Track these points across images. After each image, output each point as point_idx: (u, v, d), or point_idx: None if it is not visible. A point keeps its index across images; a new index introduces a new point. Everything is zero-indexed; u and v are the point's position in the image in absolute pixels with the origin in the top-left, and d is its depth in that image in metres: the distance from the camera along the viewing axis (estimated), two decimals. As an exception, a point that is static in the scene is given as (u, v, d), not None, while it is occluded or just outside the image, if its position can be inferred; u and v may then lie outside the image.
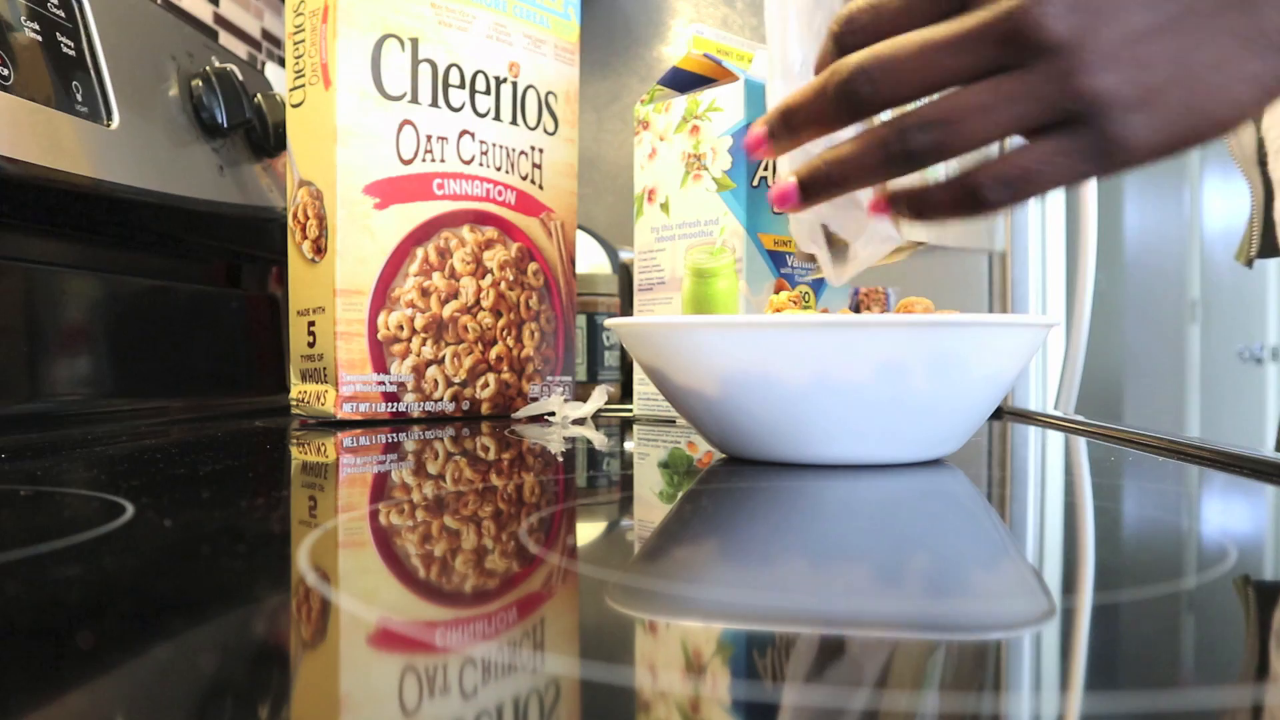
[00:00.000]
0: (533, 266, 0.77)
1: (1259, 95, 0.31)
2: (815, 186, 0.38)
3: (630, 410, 0.80)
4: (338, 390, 0.66)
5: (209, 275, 0.85)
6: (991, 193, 0.34)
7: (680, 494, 0.38)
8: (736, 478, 0.40)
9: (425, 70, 0.69)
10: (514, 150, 0.75)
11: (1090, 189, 0.94)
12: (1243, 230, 0.78)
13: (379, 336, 0.68)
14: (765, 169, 0.66)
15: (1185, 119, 0.31)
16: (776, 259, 0.67)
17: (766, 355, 0.41)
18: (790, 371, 0.41)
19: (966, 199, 0.35)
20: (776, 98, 0.51)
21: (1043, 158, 0.33)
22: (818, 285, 0.69)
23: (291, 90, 0.69)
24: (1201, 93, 0.31)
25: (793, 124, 0.38)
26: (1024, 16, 0.30)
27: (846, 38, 0.36)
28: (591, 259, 1.00)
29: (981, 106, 0.33)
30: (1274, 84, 0.31)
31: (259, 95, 0.82)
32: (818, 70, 0.37)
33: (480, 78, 0.73)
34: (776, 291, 0.65)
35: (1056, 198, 1.16)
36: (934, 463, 0.45)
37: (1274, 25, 0.30)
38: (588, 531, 0.31)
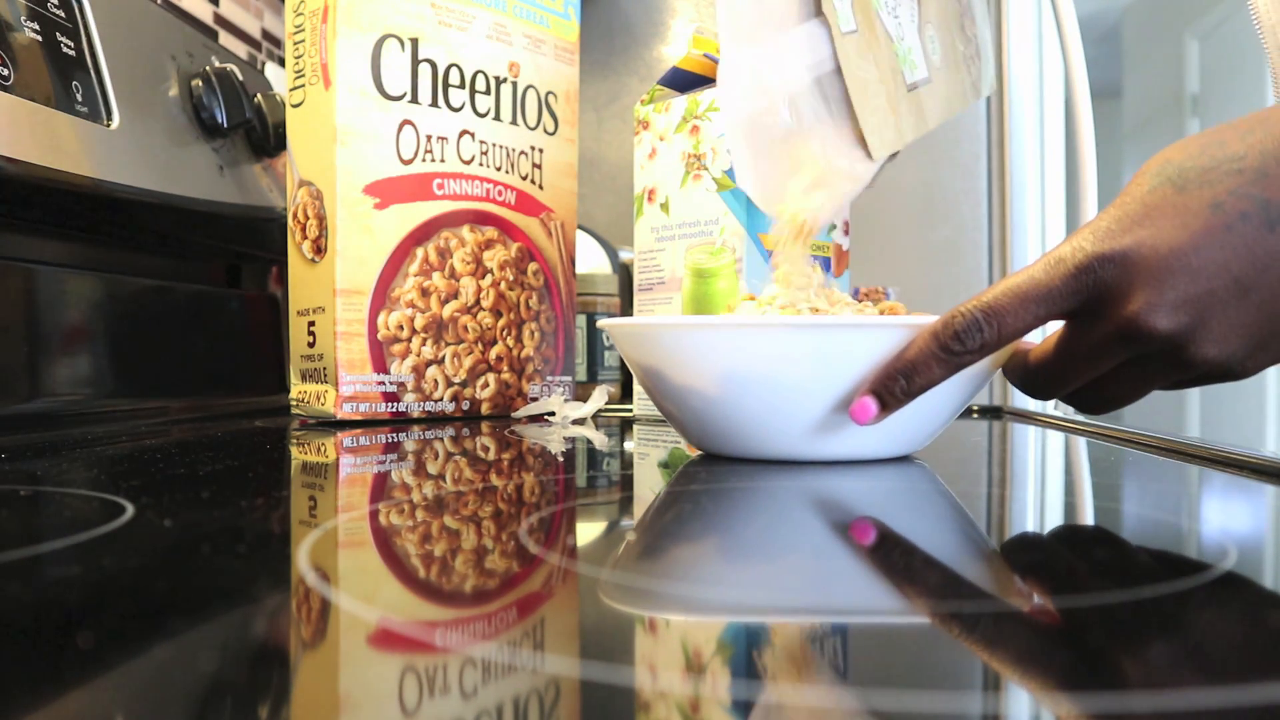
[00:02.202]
0: (533, 266, 0.77)
1: None
2: (891, 398, 0.41)
3: (630, 410, 0.80)
4: (338, 390, 0.66)
5: (209, 275, 0.85)
6: (1096, 409, 0.42)
7: (662, 493, 0.38)
8: (729, 476, 0.40)
9: (425, 70, 0.69)
10: (514, 150, 0.75)
11: (1090, 186, 0.94)
12: None
13: (379, 336, 0.68)
14: (765, 169, 0.66)
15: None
16: (776, 259, 0.67)
17: (747, 355, 0.41)
18: (769, 370, 0.41)
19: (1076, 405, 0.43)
20: (729, 63, 0.50)
21: (1146, 382, 0.40)
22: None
23: (291, 90, 0.69)
24: None
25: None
26: (1140, 321, 0.36)
27: (966, 355, 0.39)
28: (591, 259, 1.00)
29: (1125, 388, 0.41)
30: None
31: (259, 95, 0.82)
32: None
33: (480, 78, 0.73)
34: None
35: (1055, 194, 1.16)
36: (914, 461, 0.45)
37: None
38: (588, 531, 0.31)
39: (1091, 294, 0.37)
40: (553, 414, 0.74)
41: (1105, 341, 0.38)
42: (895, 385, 0.40)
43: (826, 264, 0.70)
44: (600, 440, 0.59)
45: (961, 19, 0.57)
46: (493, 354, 0.74)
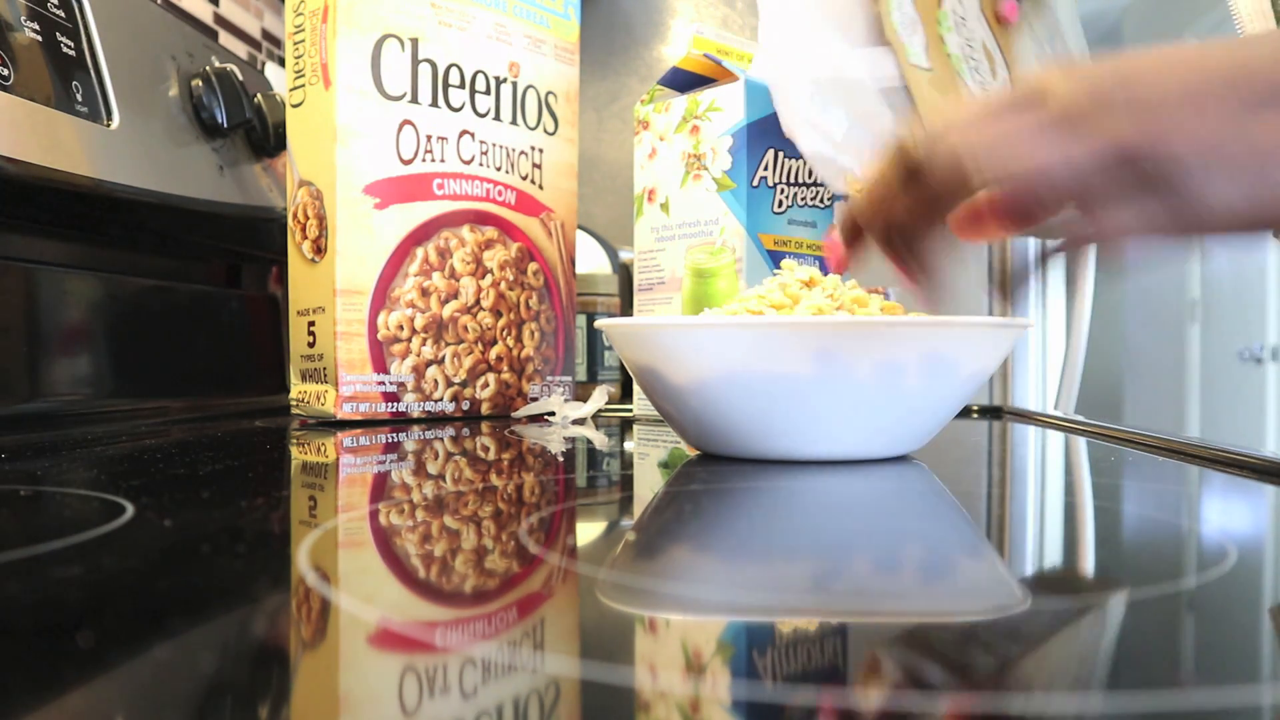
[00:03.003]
0: (533, 266, 0.77)
1: None
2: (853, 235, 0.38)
3: (630, 410, 0.80)
4: (338, 390, 0.66)
5: (209, 275, 0.85)
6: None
7: (661, 493, 0.38)
8: (728, 476, 0.40)
9: (425, 70, 0.69)
10: (514, 150, 0.75)
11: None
12: None
13: (379, 336, 0.68)
14: (765, 169, 0.66)
15: (1265, 191, 0.33)
16: (776, 259, 0.67)
17: (746, 355, 0.41)
18: (768, 370, 0.41)
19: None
20: (769, 76, 0.50)
21: (1134, 223, 0.35)
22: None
23: (291, 90, 0.69)
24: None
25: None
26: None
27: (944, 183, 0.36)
28: (591, 259, 1.00)
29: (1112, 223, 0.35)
30: None
31: (259, 95, 0.82)
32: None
33: (480, 78, 0.73)
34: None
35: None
36: (912, 461, 0.45)
37: None
38: (587, 531, 0.31)
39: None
40: (553, 414, 0.74)
41: (1092, 160, 0.33)
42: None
43: (824, 265, 0.70)
44: (600, 440, 0.59)
45: None
46: (493, 354, 0.74)
